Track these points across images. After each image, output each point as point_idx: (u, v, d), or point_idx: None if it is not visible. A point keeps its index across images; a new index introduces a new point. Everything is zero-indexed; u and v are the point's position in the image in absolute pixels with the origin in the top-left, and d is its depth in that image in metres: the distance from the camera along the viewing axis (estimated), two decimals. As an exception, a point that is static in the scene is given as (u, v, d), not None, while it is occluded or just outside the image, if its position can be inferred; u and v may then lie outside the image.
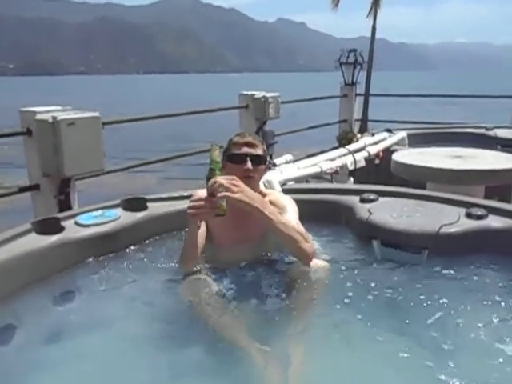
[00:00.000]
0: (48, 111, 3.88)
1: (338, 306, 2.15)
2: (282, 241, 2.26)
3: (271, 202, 2.41)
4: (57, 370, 1.88)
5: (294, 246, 2.23)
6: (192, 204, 2.15)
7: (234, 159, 2.41)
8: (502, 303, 2.19)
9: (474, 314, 2.11)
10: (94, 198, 3.81)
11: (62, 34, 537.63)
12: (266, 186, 3.05)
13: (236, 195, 2.08)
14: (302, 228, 2.34)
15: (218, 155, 2.14)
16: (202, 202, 2.12)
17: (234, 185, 2.09)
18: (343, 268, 2.50)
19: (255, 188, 2.40)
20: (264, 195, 2.48)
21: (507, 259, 2.52)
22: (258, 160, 2.42)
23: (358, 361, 1.87)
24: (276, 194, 2.70)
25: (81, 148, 3.87)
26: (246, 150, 2.40)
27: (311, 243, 2.34)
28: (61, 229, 2.63)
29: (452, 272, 2.47)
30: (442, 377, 1.72)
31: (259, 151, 2.44)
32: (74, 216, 2.80)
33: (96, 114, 4.03)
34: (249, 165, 2.37)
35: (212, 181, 2.09)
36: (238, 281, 2.25)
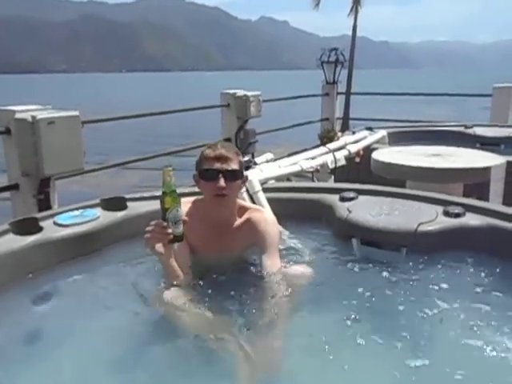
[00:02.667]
0: (27, 110, 3.83)
1: (318, 305, 2.16)
2: None
3: (250, 221, 2.31)
4: (34, 370, 1.87)
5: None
6: (146, 228, 2.01)
7: (205, 176, 2.21)
8: (481, 300, 2.22)
9: (453, 311, 2.13)
10: (76, 197, 3.78)
11: (44, 33, 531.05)
12: (246, 187, 3.04)
13: None
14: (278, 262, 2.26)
15: (169, 177, 1.96)
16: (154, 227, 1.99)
17: None
18: (323, 267, 2.51)
19: (230, 205, 2.29)
20: (244, 210, 2.36)
21: (484, 257, 2.55)
22: (233, 176, 2.20)
23: (337, 360, 1.88)
24: (258, 212, 2.42)
25: (60, 147, 3.83)
26: (218, 165, 2.18)
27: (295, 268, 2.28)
28: (39, 229, 2.61)
29: (431, 270, 2.49)
30: (420, 374, 1.74)
31: (233, 165, 2.21)
32: (52, 216, 2.78)
33: (75, 113, 3.99)
34: (221, 182, 2.16)
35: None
36: (219, 288, 2.21)
